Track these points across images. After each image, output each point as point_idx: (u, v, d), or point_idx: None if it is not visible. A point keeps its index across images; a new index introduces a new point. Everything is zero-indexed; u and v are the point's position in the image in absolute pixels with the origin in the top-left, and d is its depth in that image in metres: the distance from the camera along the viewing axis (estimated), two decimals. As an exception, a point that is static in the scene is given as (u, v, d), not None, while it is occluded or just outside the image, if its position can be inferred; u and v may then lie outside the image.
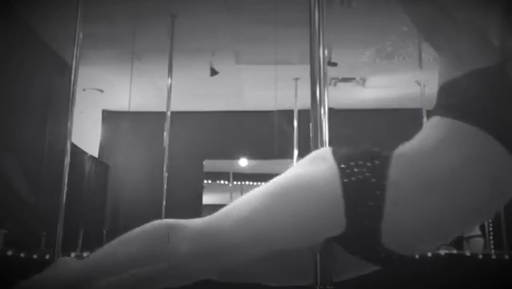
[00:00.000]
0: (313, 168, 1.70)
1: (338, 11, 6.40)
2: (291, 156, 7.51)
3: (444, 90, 1.73)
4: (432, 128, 1.67)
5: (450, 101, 1.68)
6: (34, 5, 6.32)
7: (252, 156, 8.77)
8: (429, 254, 5.17)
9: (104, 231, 7.61)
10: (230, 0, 6.38)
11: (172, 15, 6.53)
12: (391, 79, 7.97)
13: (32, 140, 6.64)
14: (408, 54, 7.38)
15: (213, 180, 8.71)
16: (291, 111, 7.53)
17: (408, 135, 1.75)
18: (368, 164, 1.68)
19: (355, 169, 1.65)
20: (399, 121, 7.37)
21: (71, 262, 1.89)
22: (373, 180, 1.65)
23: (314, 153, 1.80)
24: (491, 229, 8.27)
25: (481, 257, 5.70)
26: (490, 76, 1.67)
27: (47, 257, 4.84)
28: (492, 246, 8.12)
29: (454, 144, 1.62)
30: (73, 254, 5.17)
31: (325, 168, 1.66)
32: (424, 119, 6.48)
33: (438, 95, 1.76)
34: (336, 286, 1.77)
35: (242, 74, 7.84)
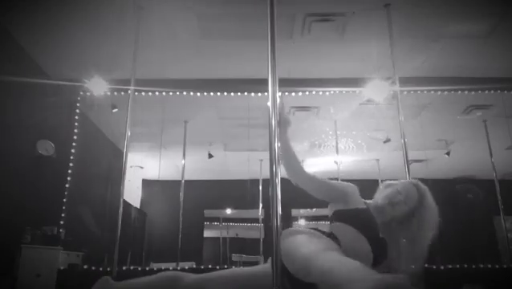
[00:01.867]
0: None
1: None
2: (257, 207, 7.51)
3: (341, 214, 2.16)
4: (345, 228, 2.09)
5: (345, 219, 2.12)
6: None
7: (234, 206, 8.63)
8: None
9: (143, 253, 7.60)
10: (221, 112, 6.64)
11: (185, 121, 6.81)
12: (318, 160, 7.92)
13: (99, 197, 6.79)
14: (330, 144, 7.54)
15: (210, 222, 8.64)
16: (258, 180, 7.54)
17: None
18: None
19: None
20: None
21: (109, 282, 2.11)
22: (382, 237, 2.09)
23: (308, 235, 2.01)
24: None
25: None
26: (363, 211, 2.16)
27: (108, 269, 4.85)
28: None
29: (357, 234, 2.06)
30: (124, 268, 5.37)
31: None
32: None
33: (337, 215, 2.18)
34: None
35: (228, 157, 7.93)
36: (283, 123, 2.11)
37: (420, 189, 2.21)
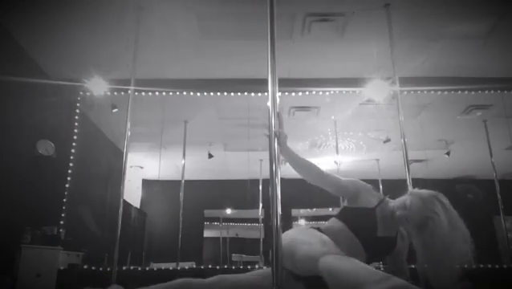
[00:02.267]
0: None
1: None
2: (257, 207, 7.50)
3: (344, 212, 2.22)
4: (340, 227, 2.15)
5: (345, 218, 2.19)
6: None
7: (234, 206, 8.60)
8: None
9: (143, 253, 7.57)
10: (221, 112, 6.63)
11: (185, 121, 6.79)
12: (318, 160, 7.76)
13: (99, 197, 6.77)
14: (329, 144, 7.56)
15: (210, 222, 8.61)
16: (258, 180, 7.52)
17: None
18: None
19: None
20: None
21: None
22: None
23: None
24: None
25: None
26: (365, 211, 2.16)
27: (108, 269, 4.93)
28: (380, 262, 7.83)
29: (347, 231, 2.13)
30: (124, 267, 5.35)
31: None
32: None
33: (341, 212, 2.24)
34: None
35: (228, 157, 7.94)
36: (282, 138, 2.12)
37: (428, 210, 2.07)
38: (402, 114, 4.53)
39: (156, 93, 6.21)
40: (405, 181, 4.21)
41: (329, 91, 6.26)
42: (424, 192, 2.16)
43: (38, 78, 5.64)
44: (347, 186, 2.22)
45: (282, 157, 2.08)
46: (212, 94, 6.32)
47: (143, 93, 6.12)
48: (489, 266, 5.73)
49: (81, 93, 6.24)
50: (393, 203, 2.20)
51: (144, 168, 8.15)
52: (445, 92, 6.23)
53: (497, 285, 5.13)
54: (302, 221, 8.98)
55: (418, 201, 2.11)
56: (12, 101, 5.12)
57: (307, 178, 2.21)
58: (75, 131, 6.14)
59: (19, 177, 5.22)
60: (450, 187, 8.00)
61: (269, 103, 2.04)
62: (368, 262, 2.11)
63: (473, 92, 6.20)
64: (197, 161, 7.69)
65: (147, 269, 5.49)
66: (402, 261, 2.28)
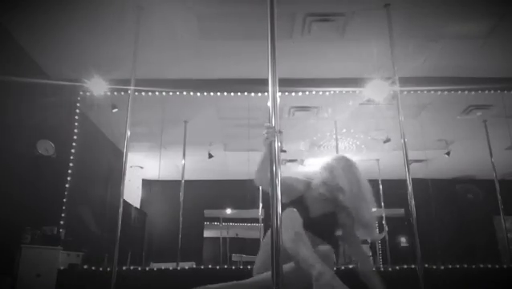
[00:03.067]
0: None
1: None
2: (257, 207, 7.26)
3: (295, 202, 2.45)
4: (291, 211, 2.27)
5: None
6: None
7: (234, 206, 8.62)
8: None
9: (143, 253, 7.56)
10: (221, 112, 6.63)
11: (185, 121, 6.81)
12: (318, 160, 7.79)
13: (99, 197, 6.79)
14: (329, 144, 7.50)
15: (210, 222, 8.62)
16: None
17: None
18: None
19: None
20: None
21: None
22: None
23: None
24: (380, 251, 8.04)
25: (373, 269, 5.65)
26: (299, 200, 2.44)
27: (108, 269, 4.89)
28: (380, 262, 7.88)
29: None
30: (124, 267, 5.31)
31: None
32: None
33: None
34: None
35: (228, 157, 7.94)
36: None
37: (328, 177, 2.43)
38: (402, 114, 4.53)
39: (156, 93, 6.21)
40: (405, 181, 4.21)
41: (329, 91, 6.26)
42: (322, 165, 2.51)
43: (38, 78, 5.66)
44: (292, 184, 2.51)
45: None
46: (212, 94, 6.31)
47: (143, 93, 6.13)
48: (489, 266, 5.72)
49: (81, 93, 6.23)
50: (314, 182, 2.49)
51: (144, 168, 8.13)
52: (445, 92, 6.24)
53: (498, 285, 5.13)
54: (302, 221, 8.88)
55: (323, 172, 2.47)
56: (12, 101, 5.14)
57: (264, 179, 2.23)
58: (75, 131, 6.13)
59: (19, 177, 5.22)
60: (450, 187, 8.05)
61: (269, 103, 2.05)
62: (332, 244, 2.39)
63: (473, 92, 6.20)
64: (197, 161, 7.67)
65: (147, 269, 5.48)
66: (358, 247, 2.58)
